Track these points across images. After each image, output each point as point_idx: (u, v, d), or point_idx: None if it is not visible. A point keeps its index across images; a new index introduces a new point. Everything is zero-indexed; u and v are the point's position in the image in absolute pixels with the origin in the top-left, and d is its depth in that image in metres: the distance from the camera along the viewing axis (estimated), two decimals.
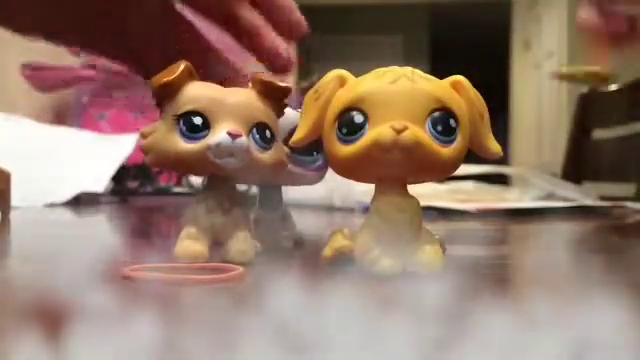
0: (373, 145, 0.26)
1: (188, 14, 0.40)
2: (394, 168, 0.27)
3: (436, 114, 0.26)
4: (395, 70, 0.27)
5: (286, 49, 0.40)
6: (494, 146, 0.29)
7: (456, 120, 0.27)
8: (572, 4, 2.89)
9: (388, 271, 0.26)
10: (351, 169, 0.28)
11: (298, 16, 0.41)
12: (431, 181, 0.33)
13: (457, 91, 0.28)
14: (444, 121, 0.27)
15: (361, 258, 0.27)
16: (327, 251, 0.29)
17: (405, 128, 0.25)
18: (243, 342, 0.15)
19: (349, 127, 0.27)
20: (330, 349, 0.15)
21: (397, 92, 0.26)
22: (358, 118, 0.27)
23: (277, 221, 0.36)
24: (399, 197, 0.27)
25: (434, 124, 0.26)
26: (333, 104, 0.28)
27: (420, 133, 0.26)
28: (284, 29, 0.41)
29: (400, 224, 0.27)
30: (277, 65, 0.40)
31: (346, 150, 0.27)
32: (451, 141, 0.27)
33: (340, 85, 0.28)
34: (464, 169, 0.36)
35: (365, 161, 0.27)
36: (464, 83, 0.28)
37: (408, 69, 0.27)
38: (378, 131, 0.26)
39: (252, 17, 0.40)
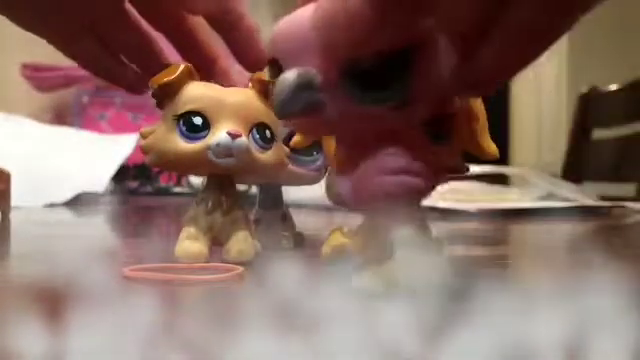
0: None
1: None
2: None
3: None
4: None
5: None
6: (490, 147, 0.29)
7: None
8: None
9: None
10: None
11: (261, 52, 0.40)
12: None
13: None
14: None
15: (357, 255, 0.28)
16: (325, 249, 0.29)
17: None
18: (243, 342, 0.15)
19: None
20: (330, 348, 0.15)
21: None
22: None
23: (277, 221, 0.36)
24: None
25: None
26: None
27: None
28: (244, 63, 0.39)
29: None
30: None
31: None
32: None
33: None
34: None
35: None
36: None
37: None
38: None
39: (209, 44, 0.39)
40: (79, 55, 0.39)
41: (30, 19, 0.37)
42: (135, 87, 0.40)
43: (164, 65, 0.39)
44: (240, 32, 0.38)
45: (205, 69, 0.39)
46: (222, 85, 0.34)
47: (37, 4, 0.36)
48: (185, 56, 0.40)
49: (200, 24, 0.39)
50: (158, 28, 0.39)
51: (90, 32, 0.38)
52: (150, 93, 0.31)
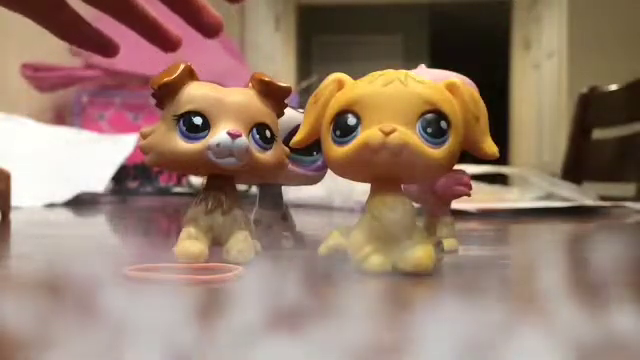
0: (362, 147, 0.27)
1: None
2: (383, 169, 0.27)
3: (427, 116, 0.27)
4: (389, 73, 0.28)
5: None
6: (490, 148, 0.29)
7: (448, 122, 0.27)
8: (572, 4, 2.89)
9: (377, 269, 0.27)
10: (344, 169, 0.29)
11: (217, 16, 0.42)
12: (423, 181, 0.34)
13: (452, 93, 0.28)
14: (435, 123, 0.27)
15: (354, 255, 0.28)
16: (322, 249, 0.29)
17: (393, 130, 0.26)
18: (243, 341, 0.15)
19: (343, 129, 0.28)
20: (329, 349, 0.15)
21: (389, 95, 0.27)
22: (351, 120, 0.27)
23: (277, 221, 0.36)
24: (391, 197, 0.28)
25: (424, 126, 0.27)
26: (330, 106, 0.28)
27: (408, 135, 0.26)
28: (203, 29, 0.41)
29: (390, 223, 0.28)
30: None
31: (339, 151, 0.28)
32: (442, 142, 0.27)
33: (338, 88, 0.29)
34: (464, 169, 0.36)
35: (356, 162, 0.27)
36: (458, 85, 0.28)
37: (402, 72, 0.28)
38: (368, 133, 0.27)
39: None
40: (58, 25, 0.41)
41: None
42: (108, 50, 0.43)
43: (143, 15, 0.41)
44: (192, 2, 0.41)
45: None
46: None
47: None
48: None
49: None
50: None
51: (62, 1, 0.40)
52: (150, 93, 0.31)
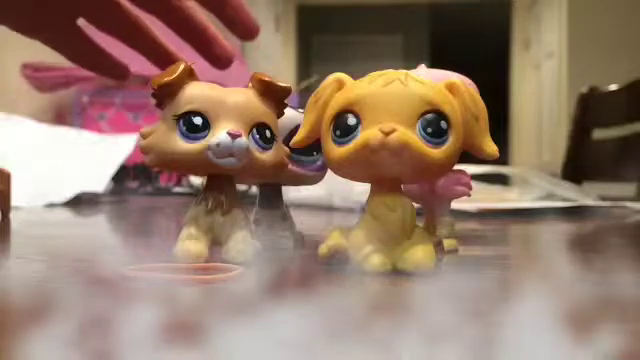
0: (362, 147, 0.27)
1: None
2: (383, 169, 0.27)
3: (427, 116, 0.27)
4: (389, 73, 0.28)
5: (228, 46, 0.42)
6: (490, 148, 0.29)
7: (448, 122, 0.27)
8: (572, 4, 2.89)
9: (377, 269, 0.27)
10: (344, 169, 0.29)
11: (250, 15, 0.42)
12: (423, 181, 0.34)
13: (452, 93, 0.28)
14: (435, 123, 0.27)
15: (354, 255, 0.28)
16: (322, 249, 0.29)
17: (393, 130, 0.26)
18: (242, 341, 0.16)
19: (343, 129, 0.28)
20: (328, 348, 0.15)
21: (389, 95, 0.27)
22: (351, 120, 0.27)
23: (277, 221, 0.36)
24: (391, 197, 0.28)
25: (424, 126, 0.27)
26: (330, 106, 0.29)
27: (408, 135, 0.26)
28: (236, 28, 0.41)
29: (391, 223, 0.28)
30: (220, 60, 0.42)
31: (339, 151, 0.28)
32: (442, 142, 0.27)
33: (338, 88, 0.29)
34: (464, 169, 0.36)
35: (356, 162, 0.27)
36: (459, 85, 0.28)
37: (402, 72, 0.28)
38: (367, 133, 0.27)
39: (195, 13, 0.41)
40: (72, 52, 0.42)
41: (22, 23, 0.39)
42: (117, 74, 0.43)
43: (153, 41, 0.41)
44: (229, 5, 0.41)
45: (195, 39, 0.41)
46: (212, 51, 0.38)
47: (26, 8, 0.38)
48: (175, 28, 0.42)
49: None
50: (148, 10, 0.41)
51: (78, 29, 0.41)
52: (150, 93, 0.31)
